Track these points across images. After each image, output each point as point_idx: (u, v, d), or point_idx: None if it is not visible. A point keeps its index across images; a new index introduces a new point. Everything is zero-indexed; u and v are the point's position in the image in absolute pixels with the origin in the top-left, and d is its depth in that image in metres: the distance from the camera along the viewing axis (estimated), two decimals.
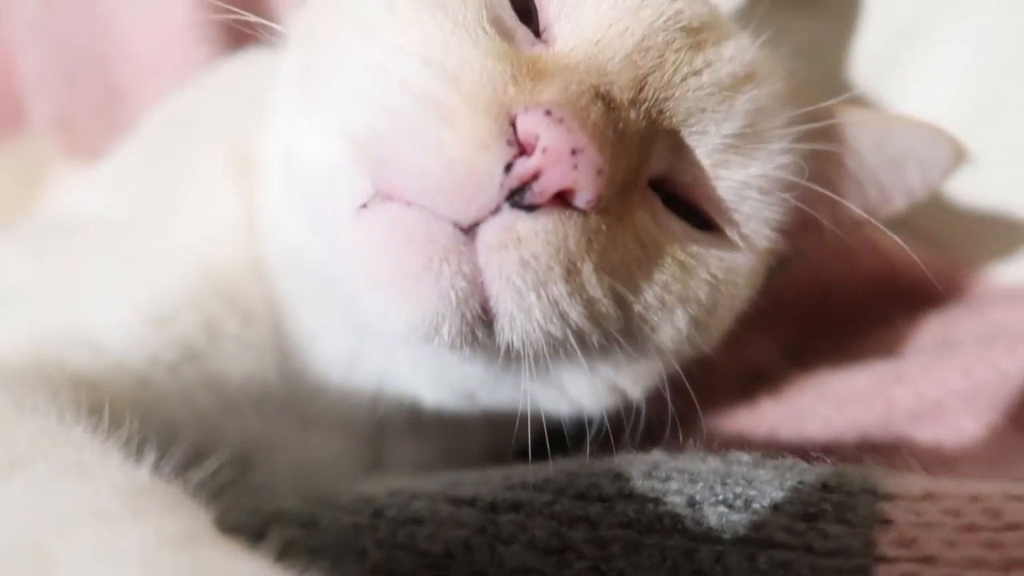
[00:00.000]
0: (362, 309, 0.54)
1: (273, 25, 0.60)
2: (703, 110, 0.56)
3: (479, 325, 0.50)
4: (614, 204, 0.52)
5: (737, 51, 0.58)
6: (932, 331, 0.81)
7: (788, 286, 0.68)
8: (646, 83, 0.54)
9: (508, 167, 0.47)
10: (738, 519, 0.50)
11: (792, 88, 0.61)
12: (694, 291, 0.57)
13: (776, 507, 0.50)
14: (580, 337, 0.53)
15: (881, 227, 0.64)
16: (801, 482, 0.51)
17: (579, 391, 0.64)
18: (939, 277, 0.81)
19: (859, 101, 0.74)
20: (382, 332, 0.56)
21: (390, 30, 0.53)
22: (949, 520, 0.47)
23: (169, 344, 0.63)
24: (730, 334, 0.65)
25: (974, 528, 0.46)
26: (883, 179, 0.67)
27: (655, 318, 0.56)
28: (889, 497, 0.49)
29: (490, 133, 0.47)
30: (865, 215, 0.64)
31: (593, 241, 0.50)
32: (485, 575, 0.51)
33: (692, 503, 0.51)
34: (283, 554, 0.39)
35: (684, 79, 0.55)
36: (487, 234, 0.48)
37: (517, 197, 0.47)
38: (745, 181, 0.57)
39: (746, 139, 0.57)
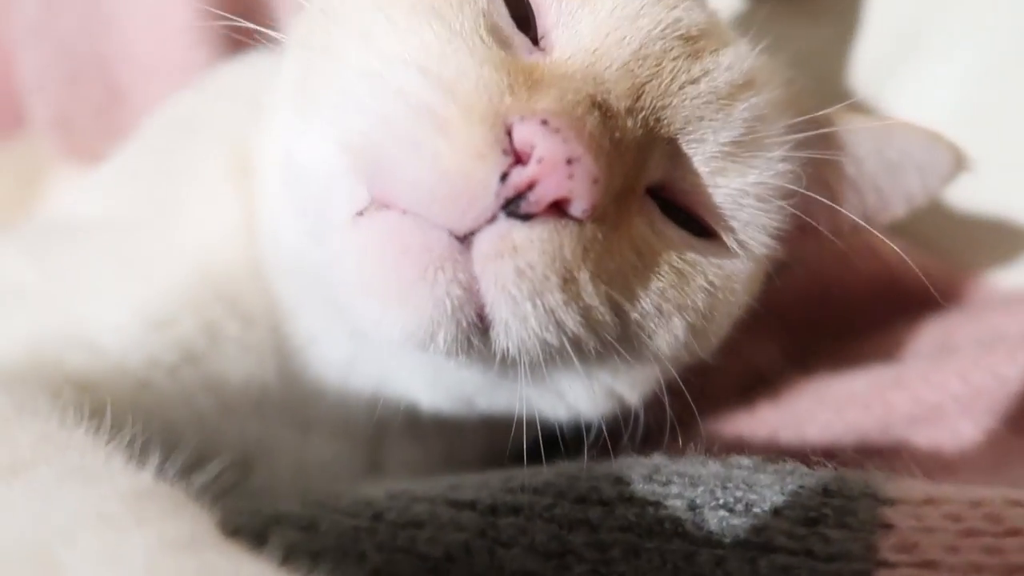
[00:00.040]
0: (358, 316, 0.54)
1: (271, 32, 0.60)
2: (700, 118, 0.56)
3: (475, 333, 0.51)
4: (611, 212, 0.52)
5: (735, 59, 0.58)
6: (931, 336, 0.81)
7: (787, 290, 0.68)
8: (643, 91, 0.54)
9: (504, 176, 0.47)
10: (739, 523, 0.50)
11: (791, 95, 0.61)
12: (691, 298, 0.57)
13: (777, 511, 0.50)
14: (576, 344, 0.53)
15: (879, 235, 0.64)
16: (802, 486, 0.51)
17: (576, 396, 0.64)
18: (938, 282, 0.81)
19: (859, 108, 0.74)
20: (378, 339, 0.56)
21: (387, 38, 0.53)
22: (950, 525, 0.47)
23: (169, 346, 0.63)
24: (729, 340, 0.65)
25: (975, 533, 0.46)
26: (882, 185, 0.67)
27: (652, 325, 0.56)
28: (890, 502, 0.49)
29: (486, 143, 0.47)
30: (863, 223, 0.64)
31: (589, 249, 0.50)
32: None
33: (693, 507, 0.51)
34: (285, 558, 0.39)
35: (682, 87, 0.55)
36: (483, 243, 0.48)
37: (513, 206, 0.47)
38: (742, 189, 0.57)
39: (744, 147, 0.57)
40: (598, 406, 0.64)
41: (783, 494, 0.51)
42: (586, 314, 0.52)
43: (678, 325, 0.57)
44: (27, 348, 0.61)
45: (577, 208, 0.48)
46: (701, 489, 0.52)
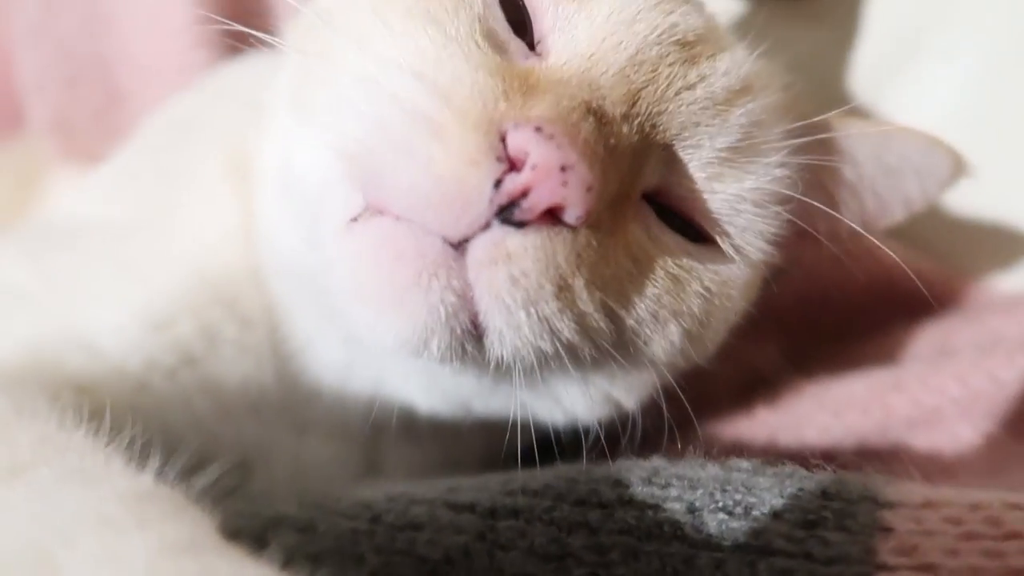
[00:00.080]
0: (352, 322, 0.54)
1: (267, 38, 0.60)
2: (697, 124, 0.55)
3: (469, 339, 0.50)
4: (606, 218, 0.52)
5: (732, 64, 0.58)
6: (930, 339, 0.81)
7: (787, 293, 0.68)
8: (639, 97, 0.54)
9: (498, 183, 0.47)
10: (738, 526, 0.50)
11: (789, 100, 0.61)
12: (687, 304, 0.57)
13: (776, 514, 0.50)
14: (572, 351, 0.53)
15: (876, 241, 0.64)
16: (801, 489, 0.51)
17: (573, 401, 0.64)
18: (936, 286, 0.81)
19: (857, 112, 0.74)
20: (372, 345, 0.57)
21: (383, 43, 0.53)
22: (949, 528, 0.47)
23: (167, 348, 0.63)
24: (727, 346, 0.65)
25: (974, 536, 0.46)
26: (880, 189, 0.67)
27: (648, 331, 0.56)
28: (889, 505, 0.49)
29: (480, 149, 0.47)
30: (861, 228, 0.64)
31: (583, 256, 0.50)
32: None
33: (692, 510, 0.51)
34: (286, 561, 0.39)
35: (678, 93, 0.55)
36: (477, 250, 0.48)
37: (507, 213, 0.47)
38: (739, 194, 0.57)
39: (741, 152, 0.57)
40: (595, 411, 0.64)
41: (782, 497, 0.51)
42: (581, 321, 0.52)
43: (674, 331, 0.57)
44: (26, 350, 0.61)
45: (571, 215, 0.48)
46: (700, 492, 0.52)
